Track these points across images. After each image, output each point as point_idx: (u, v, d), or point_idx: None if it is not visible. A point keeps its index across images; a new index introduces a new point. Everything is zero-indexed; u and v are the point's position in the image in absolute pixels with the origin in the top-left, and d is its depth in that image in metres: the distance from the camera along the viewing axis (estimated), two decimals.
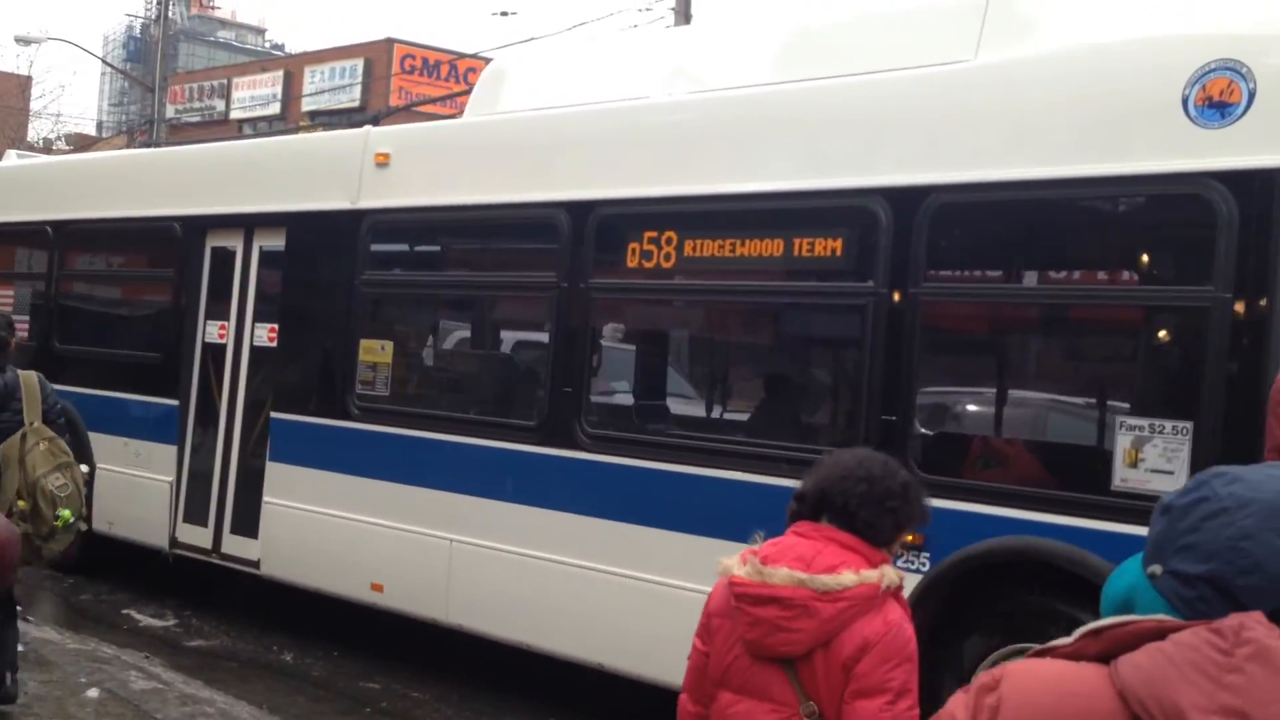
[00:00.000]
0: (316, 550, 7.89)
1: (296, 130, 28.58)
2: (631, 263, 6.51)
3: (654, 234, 6.40)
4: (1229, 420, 4.56)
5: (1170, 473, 4.63)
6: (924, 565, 5.30)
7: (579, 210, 6.68)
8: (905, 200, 5.46)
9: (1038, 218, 5.36)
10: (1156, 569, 1.34)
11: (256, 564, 8.32)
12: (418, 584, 7.28)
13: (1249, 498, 1.30)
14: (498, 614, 6.89)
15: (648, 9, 25.24)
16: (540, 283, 7.08)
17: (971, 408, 5.90)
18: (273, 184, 8.61)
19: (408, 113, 22.29)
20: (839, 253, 5.85)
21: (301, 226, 8.29)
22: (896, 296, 5.46)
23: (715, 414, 6.89)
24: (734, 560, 2.93)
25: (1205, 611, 1.28)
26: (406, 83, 36.95)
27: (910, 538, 5.21)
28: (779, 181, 5.91)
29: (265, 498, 8.26)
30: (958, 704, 1.39)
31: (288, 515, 8.10)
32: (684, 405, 7.00)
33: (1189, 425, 4.64)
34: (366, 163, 7.87)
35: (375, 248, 7.89)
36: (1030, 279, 5.63)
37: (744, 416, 6.73)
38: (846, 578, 2.79)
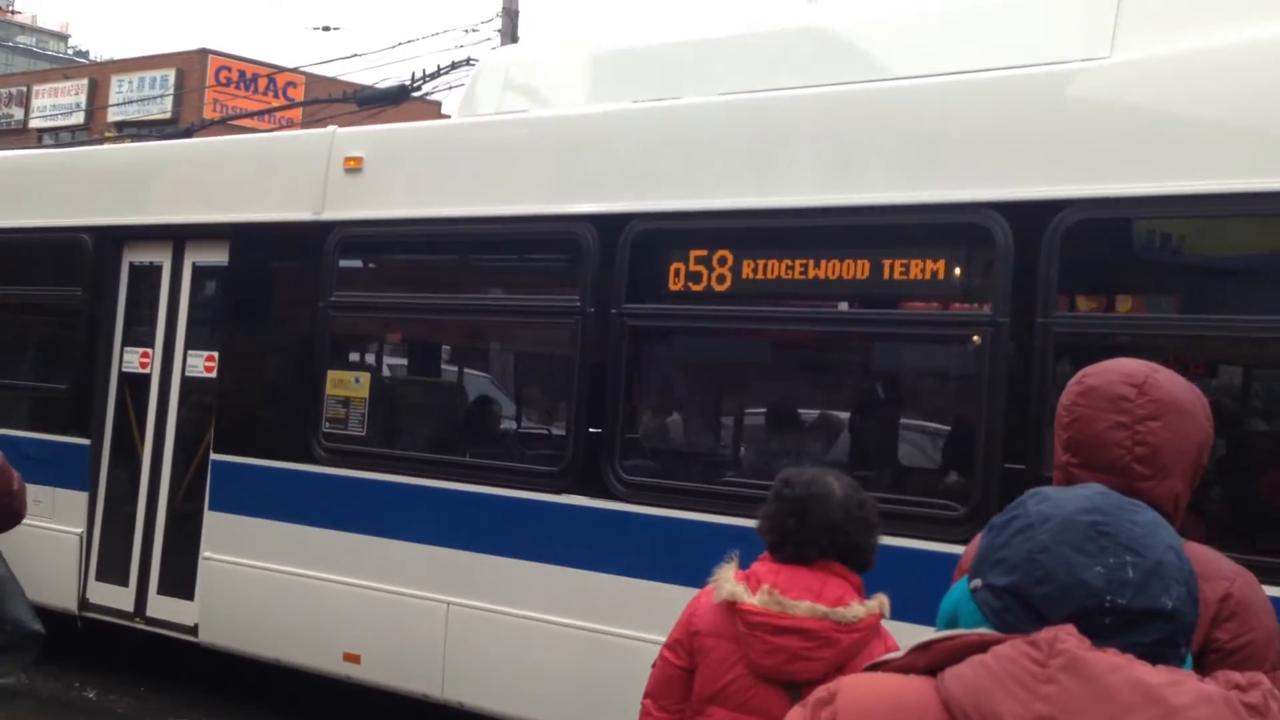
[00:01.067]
0: (272, 614, 6.80)
1: (101, 141, 26.77)
2: (675, 285, 5.69)
3: (703, 252, 5.61)
4: None
5: None
6: None
7: (609, 224, 5.83)
8: (1028, 216, 4.79)
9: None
10: (977, 583, 1.40)
11: (193, 630, 7.17)
12: (405, 654, 6.28)
13: (1050, 514, 1.36)
14: (506, 688, 5.95)
15: (474, 29, 24.74)
16: (560, 307, 6.19)
17: None
18: (211, 191, 7.50)
19: (224, 126, 21.09)
20: (944, 275, 5.13)
21: (250, 240, 7.21)
22: (1018, 324, 4.78)
23: (775, 456, 6.09)
24: (739, 587, 3.04)
25: (1012, 622, 1.34)
26: (222, 95, 35.86)
27: None
28: (875, 194, 5.17)
29: (204, 553, 7.13)
30: (794, 718, 1.42)
31: (233, 573, 6.99)
32: (734, 447, 6.19)
33: None
34: (333, 167, 6.86)
35: (346, 264, 6.88)
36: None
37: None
38: (857, 609, 3.00)
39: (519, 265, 6.74)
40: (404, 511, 6.38)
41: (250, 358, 7.23)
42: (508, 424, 6.92)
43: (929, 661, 1.37)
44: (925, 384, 5.81)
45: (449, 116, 8.89)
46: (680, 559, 5.42)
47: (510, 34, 17.86)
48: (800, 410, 6.05)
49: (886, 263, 5.17)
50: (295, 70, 28.93)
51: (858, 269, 5.26)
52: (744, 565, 3.19)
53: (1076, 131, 4.80)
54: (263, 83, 36.75)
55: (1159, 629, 1.30)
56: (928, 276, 5.11)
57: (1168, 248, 4.89)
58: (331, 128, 7.09)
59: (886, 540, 4.57)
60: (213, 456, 7.17)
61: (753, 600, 3.00)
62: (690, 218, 5.66)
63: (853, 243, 5.26)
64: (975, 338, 5.00)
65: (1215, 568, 2.22)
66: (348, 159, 6.79)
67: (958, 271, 5.15)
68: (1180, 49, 4.71)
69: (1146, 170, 4.62)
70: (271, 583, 6.81)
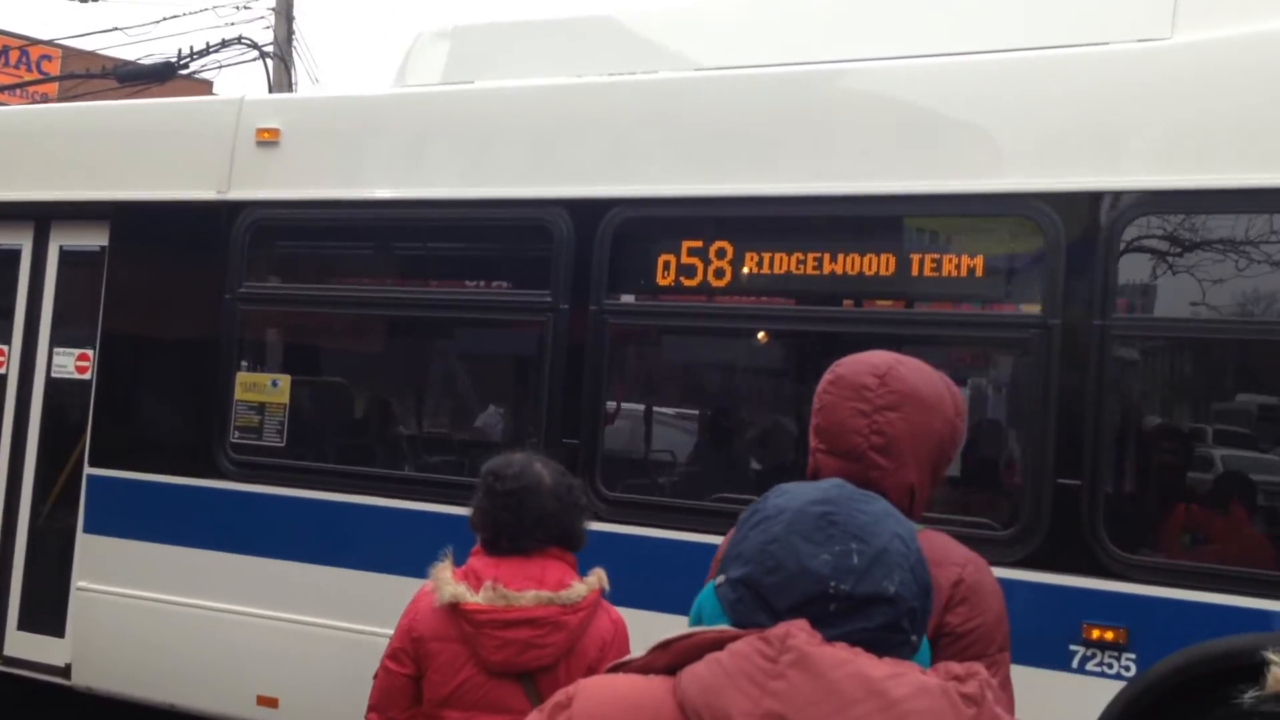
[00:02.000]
0: (166, 653, 5.88)
1: None
2: (664, 280, 5.11)
3: (697, 243, 5.04)
4: None
5: None
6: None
7: (587, 211, 5.21)
8: (1075, 205, 4.41)
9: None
10: (720, 578, 1.42)
11: (65, 671, 6.18)
12: (332, 695, 5.48)
13: (784, 506, 1.40)
14: None
15: (246, 6, 23.55)
16: (526, 302, 5.51)
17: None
18: (86, 164, 6.50)
19: None
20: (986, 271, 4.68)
21: (136, 221, 6.25)
22: (1074, 328, 4.39)
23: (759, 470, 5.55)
24: (460, 588, 2.98)
25: (744, 613, 1.37)
26: None
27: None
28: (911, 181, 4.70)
29: (77, 582, 6.15)
30: None
31: (116, 606, 6.04)
32: (727, 465, 5.62)
33: None
34: (242, 140, 6.01)
35: (259, 252, 6.02)
36: None
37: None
38: (579, 589, 3.04)
39: (481, 255, 6.00)
40: (333, 533, 5.60)
41: (134, 357, 6.28)
42: (465, 435, 6.17)
43: (669, 661, 1.37)
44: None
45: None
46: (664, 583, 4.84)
47: (286, 12, 16.89)
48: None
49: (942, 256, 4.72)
50: (50, 43, 26.97)
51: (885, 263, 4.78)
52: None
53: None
54: (14, 55, 34.25)
55: (882, 614, 1.32)
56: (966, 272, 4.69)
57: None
58: (241, 94, 6.22)
59: None
60: (88, 470, 6.20)
61: (477, 599, 2.97)
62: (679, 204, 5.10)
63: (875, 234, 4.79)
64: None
65: (948, 554, 2.26)
66: (261, 131, 5.95)
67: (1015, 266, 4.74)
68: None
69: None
70: (164, 616, 5.90)
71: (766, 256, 4.95)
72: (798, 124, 5.00)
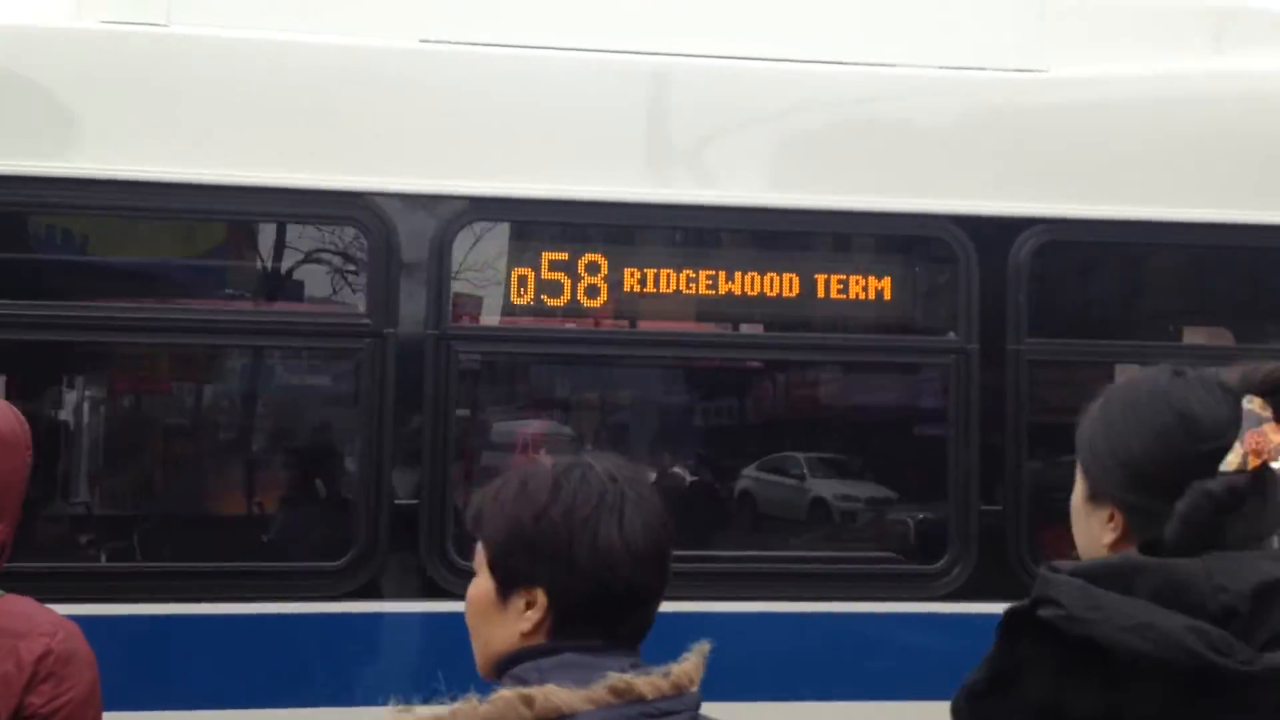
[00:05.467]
0: None
1: None
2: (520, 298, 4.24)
3: (560, 255, 4.24)
4: None
5: None
6: None
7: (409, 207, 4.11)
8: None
9: None
10: None
11: None
12: None
13: None
14: None
15: None
16: (336, 326, 4.38)
17: None
18: None
19: None
20: None
21: None
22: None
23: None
24: None
25: None
26: None
27: None
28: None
29: None
30: None
31: None
32: None
33: None
34: None
35: None
36: None
37: None
38: None
39: (270, 265, 4.61)
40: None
41: None
42: (247, 501, 4.88)
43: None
44: None
45: None
46: None
47: None
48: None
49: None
50: None
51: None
52: None
53: None
54: None
55: None
56: None
57: None
58: None
59: None
60: None
61: None
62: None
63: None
64: None
65: (33, 623, 2.07)
66: None
67: None
68: None
69: None
70: None
71: None
72: None
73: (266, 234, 4.41)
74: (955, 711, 1.47)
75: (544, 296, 4.06)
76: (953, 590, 4.01)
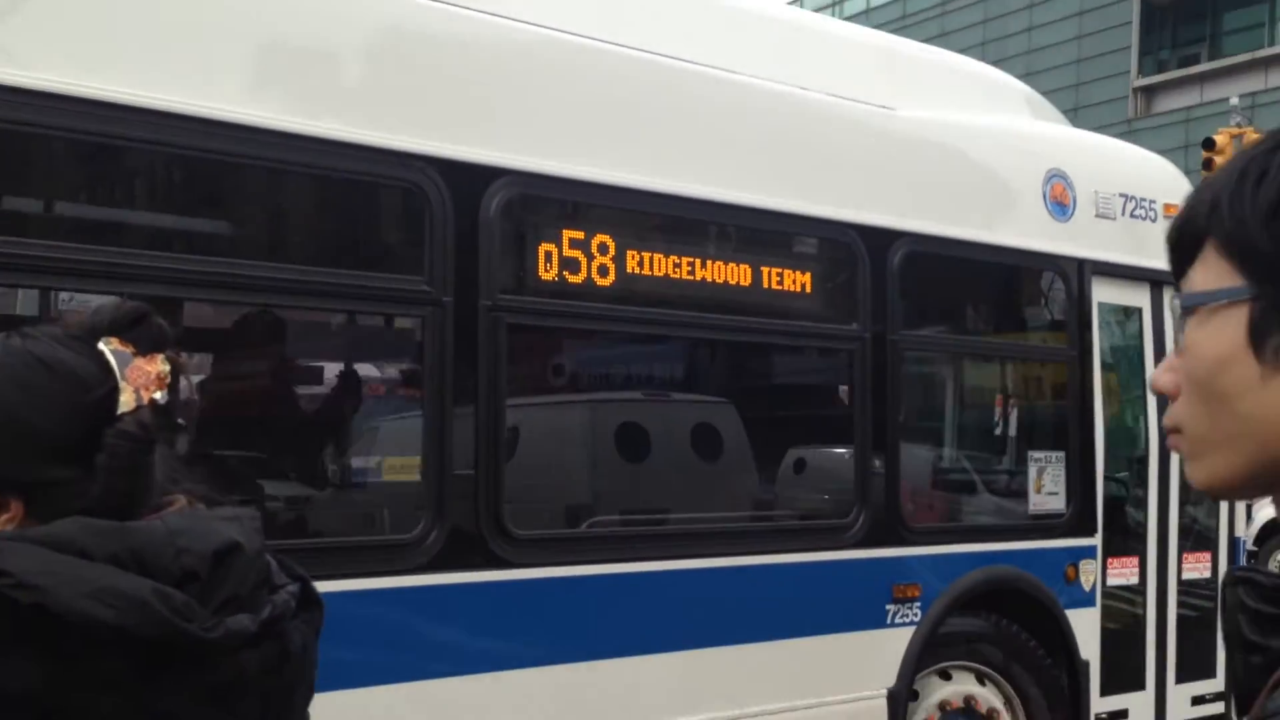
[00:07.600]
0: None
1: None
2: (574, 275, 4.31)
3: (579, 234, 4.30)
4: None
5: None
6: None
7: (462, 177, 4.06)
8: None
9: None
10: None
11: None
12: None
13: None
14: None
15: None
16: (399, 291, 4.12)
17: None
18: None
19: None
20: None
21: None
22: None
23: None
24: None
25: None
26: None
27: None
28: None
29: None
30: None
31: None
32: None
33: None
34: None
35: None
36: None
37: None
38: None
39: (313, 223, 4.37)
40: None
41: None
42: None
43: None
44: None
45: None
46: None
47: None
48: None
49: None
50: None
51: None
52: None
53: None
54: None
55: None
56: None
57: None
58: None
59: None
60: None
61: None
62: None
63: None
64: None
65: None
66: None
67: None
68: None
69: None
70: None
71: None
72: None
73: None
74: None
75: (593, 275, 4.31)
76: None
